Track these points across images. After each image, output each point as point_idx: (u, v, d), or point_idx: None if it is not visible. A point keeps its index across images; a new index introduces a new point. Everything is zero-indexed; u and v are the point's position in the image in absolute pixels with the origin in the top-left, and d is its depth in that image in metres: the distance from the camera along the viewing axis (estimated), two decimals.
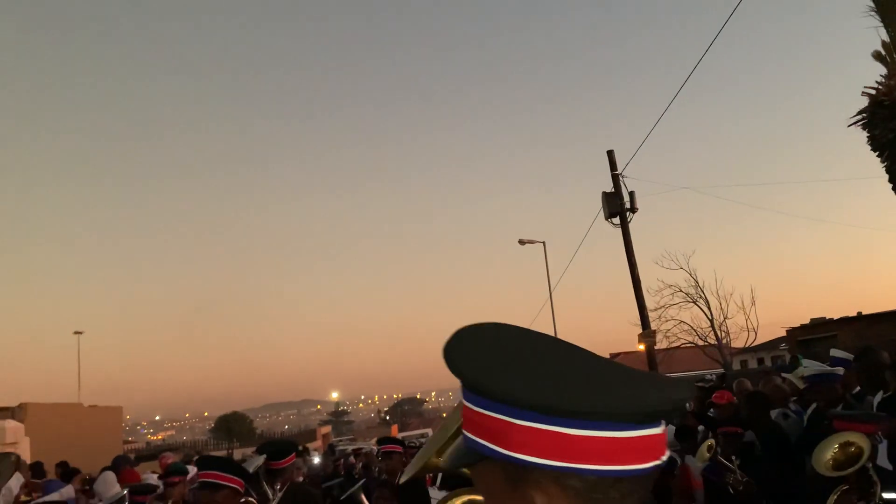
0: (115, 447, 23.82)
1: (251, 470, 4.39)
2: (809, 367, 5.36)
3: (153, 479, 8.26)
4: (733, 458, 5.00)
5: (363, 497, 4.83)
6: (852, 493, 3.31)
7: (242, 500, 3.90)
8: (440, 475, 4.82)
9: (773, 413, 5.62)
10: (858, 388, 5.07)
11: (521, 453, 0.76)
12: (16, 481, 7.54)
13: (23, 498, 7.38)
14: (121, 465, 10.09)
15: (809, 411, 5.39)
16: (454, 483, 1.53)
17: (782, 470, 4.93)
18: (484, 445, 0.79)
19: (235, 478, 3.62)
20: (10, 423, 17.94)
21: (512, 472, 0.79)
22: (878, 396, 4.71)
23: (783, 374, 6.56)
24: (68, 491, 7.62)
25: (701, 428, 6.27)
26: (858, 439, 3.35)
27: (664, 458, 0.79)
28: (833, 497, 3.29)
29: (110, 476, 8.07)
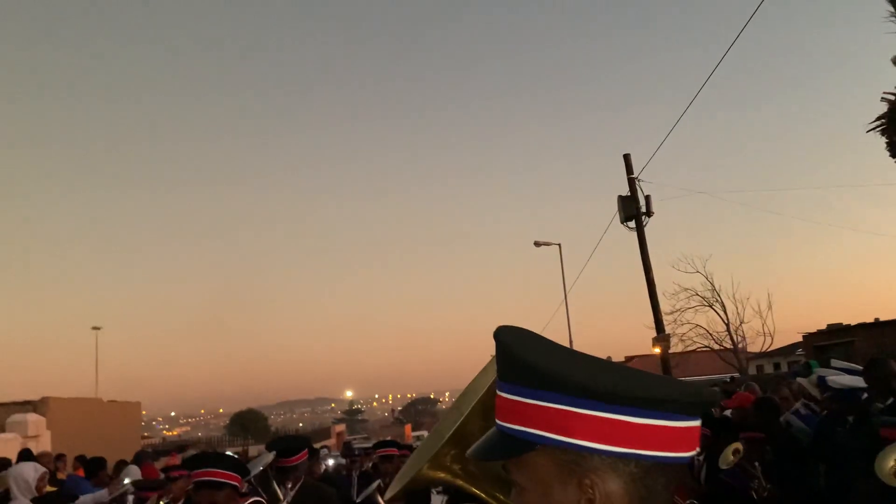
0: (134, 442, 24.15)
1: (260, 467, 4.09)
2: (828, 374, 5.42)
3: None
4: (756, 464, 4.93)
5: (379, 498, 4.58)
6: None
7: (252, 499, 3.67)
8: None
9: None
10: (865, 395, 5.12)
11: (585, 440, 0.83)
12: (33, 471, 7.66)
13: (47, 488, 7.51)
14: (141, 460, 10.21)
15: (821, 417, 5.44)
16: (457, 492, 1.49)
17: (797, 476, 4.92)
18: (539, 435, 0.86)
19: (235, 475, 3.30)
20: (32, 417, 18.28)
21: (566, 460, 0.86)
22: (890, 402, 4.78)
23: (799, 378, 6.61)
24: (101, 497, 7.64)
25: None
26: None
27: (698, 449, 0.88)
28: None
29: (134, 470, 8.21)
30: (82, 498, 7.34)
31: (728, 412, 6.79)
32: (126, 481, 7.21)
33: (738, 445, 5.12)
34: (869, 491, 3.65)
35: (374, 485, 4.79)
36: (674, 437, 0.84)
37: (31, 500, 6.83)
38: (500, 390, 0.91)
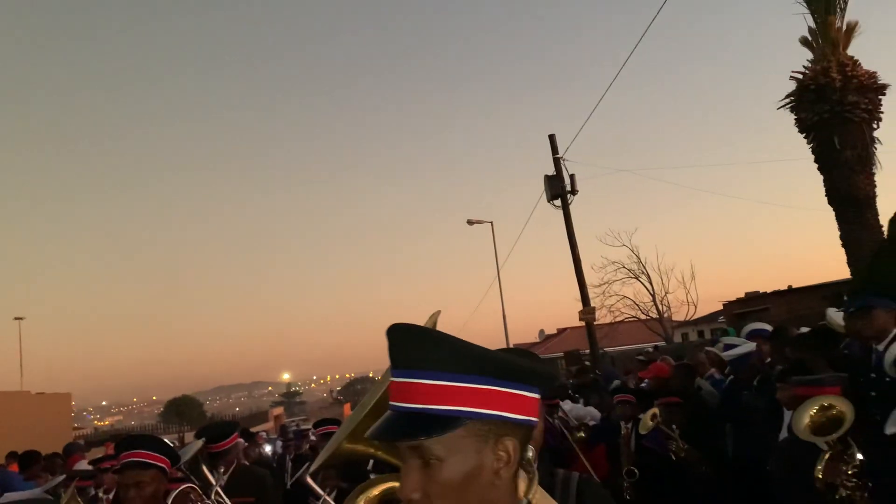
0: (65, 434, 23.59)
1: (190, 454, 4.11)
2: (731, 344, 5.88)
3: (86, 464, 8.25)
4: (674, 427, 5.27)
5: (310, 480, 4.36)
6: (837, 459, 3.19)
7: (184, 485, 3.63)
8: (372, 461, 4.82)
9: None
10: (769, 359, 5.58)
11: (507, 412, 1.09)
12: None
13: None
14: (72, 452, 10.07)
15: (727, 382, 5.92)
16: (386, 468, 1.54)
17: (705, 436, 5.30)
18: (471, 412, 1.07)
19: (162, 457, 3.22)
20: None
21: (483, 429, 1.08)
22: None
23: (706, 348, 7.10)
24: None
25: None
26: (839, 403, 3.28)
27: None
28: (819, 466, 3.19)
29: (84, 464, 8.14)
30: (7, 495, 7.28)
31: (645, 383, 7.21)
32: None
33: (655, 411, 5.48)
34: (784, 446, 3.99)
35: (306, 467, 4.77)
36: (538, 406, 1.17)
37: None
38: (417, 377, 1.08)
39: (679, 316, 28.66)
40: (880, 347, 4.05)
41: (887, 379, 3.68)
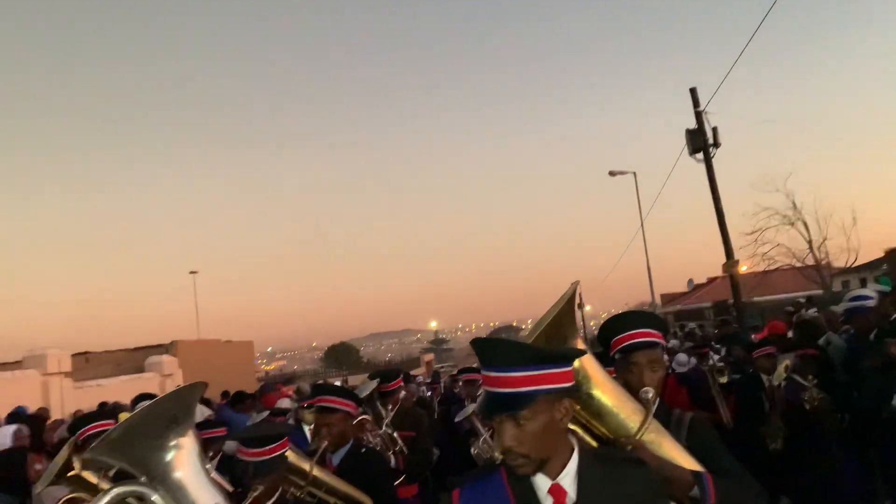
0: (250, 376, 26.60)
1: (366, 393, 4.94)
2: (857, 296, 6.10)
3: (286, 403, 9.37)
4: (809, 377, 5.44)
5: (476, 422, 5.03)
6: None
7: (361, 417, 4.42)
8: None
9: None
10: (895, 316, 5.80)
11: (561, 384, 1.65)
12: (199, 411, 9.00)
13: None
14: (268, 391, 11.62)
15: (848, 336, 6.18)
16: None
17: (828, 387, 5.47)
18: (540, 389, 1.61)
19: (349, 402, 3.75)
20: (166, 358, 20.64)
21: (550, 398, 1.63)
22: None
23: (832, 307, 7.31)
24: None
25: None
26: None
27: None
28: None
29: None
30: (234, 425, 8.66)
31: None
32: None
33: (788, 362, 5.79)
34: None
35: (470, 408, 5.17)
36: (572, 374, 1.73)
37: (195, 424, 8.28)
38: (505, 371, 1.62)
39: (839, 263, 27.28)
40: None
41: None
